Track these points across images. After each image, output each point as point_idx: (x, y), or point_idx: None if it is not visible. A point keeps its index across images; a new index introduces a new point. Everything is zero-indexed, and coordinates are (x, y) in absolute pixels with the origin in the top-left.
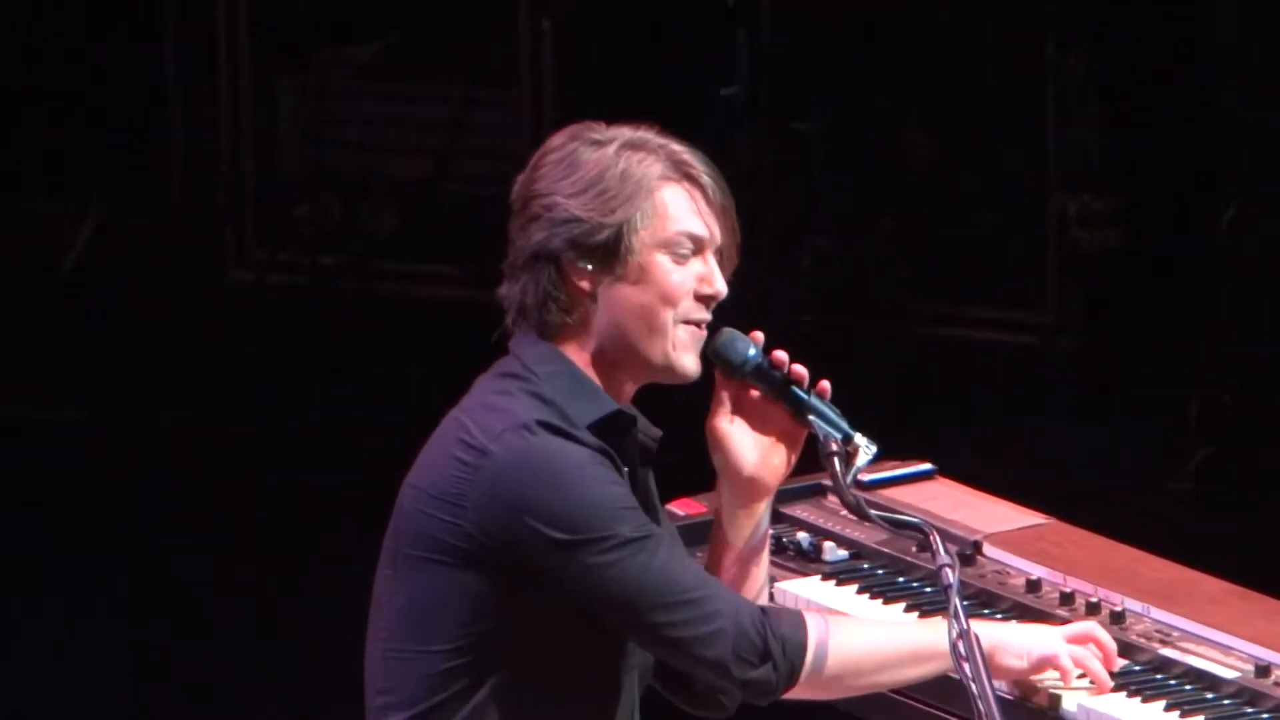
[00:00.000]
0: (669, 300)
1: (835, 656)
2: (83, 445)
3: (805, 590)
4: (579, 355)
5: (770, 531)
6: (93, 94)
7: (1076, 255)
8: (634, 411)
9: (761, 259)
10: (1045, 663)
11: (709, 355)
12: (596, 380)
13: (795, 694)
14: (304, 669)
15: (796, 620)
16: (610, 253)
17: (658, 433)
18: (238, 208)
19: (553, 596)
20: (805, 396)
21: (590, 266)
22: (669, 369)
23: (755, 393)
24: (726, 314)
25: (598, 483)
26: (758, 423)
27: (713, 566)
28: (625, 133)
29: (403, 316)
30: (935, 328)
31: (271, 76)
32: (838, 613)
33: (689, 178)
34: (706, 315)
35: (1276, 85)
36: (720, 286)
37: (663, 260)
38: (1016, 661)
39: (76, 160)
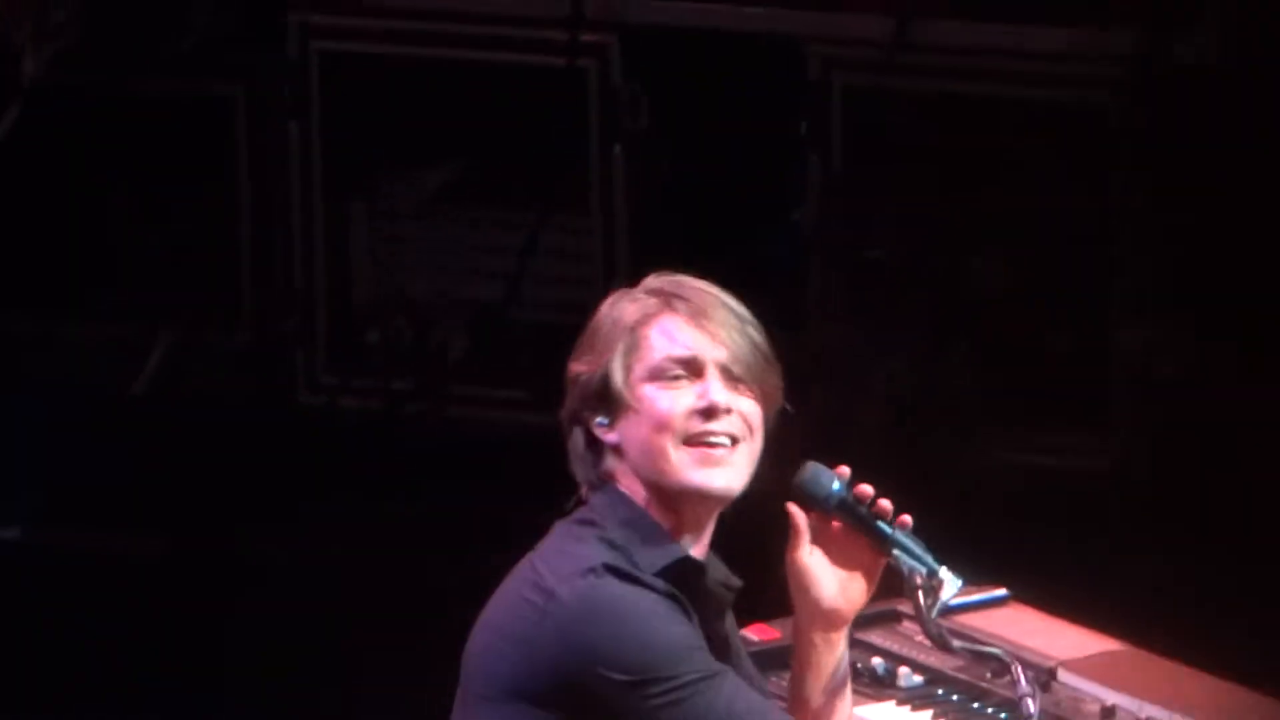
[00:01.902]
0: (663, 426)
1: None
2: (155, 572)
3: (880, 716)
4: (639, 499)
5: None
6: (164, 216)
7: (1145, 383)
8: (708, 559)
9: (835, 385)
10: None
11: (793, 489)
12: (663, 522)
13: None
14: None
15: None
16: (607, 397)
17: (737, 582)
18: (309, 332)
19: None
20: (890, 531)
21: (603, 418)
22: (684, 491)
23: (837, 525)
24: (802, 440)
25: (662, 625)
26: (836, 553)
27: (794, 700)
28: (637, 287)
29: (475, 440)
30: (1006, 452)
31: (343, 201)
32: None
33: (670, 306)
34: (710, 428)
35: None
36: (714, 396)
37: (650, 389)
38: None
39: (148, 283)
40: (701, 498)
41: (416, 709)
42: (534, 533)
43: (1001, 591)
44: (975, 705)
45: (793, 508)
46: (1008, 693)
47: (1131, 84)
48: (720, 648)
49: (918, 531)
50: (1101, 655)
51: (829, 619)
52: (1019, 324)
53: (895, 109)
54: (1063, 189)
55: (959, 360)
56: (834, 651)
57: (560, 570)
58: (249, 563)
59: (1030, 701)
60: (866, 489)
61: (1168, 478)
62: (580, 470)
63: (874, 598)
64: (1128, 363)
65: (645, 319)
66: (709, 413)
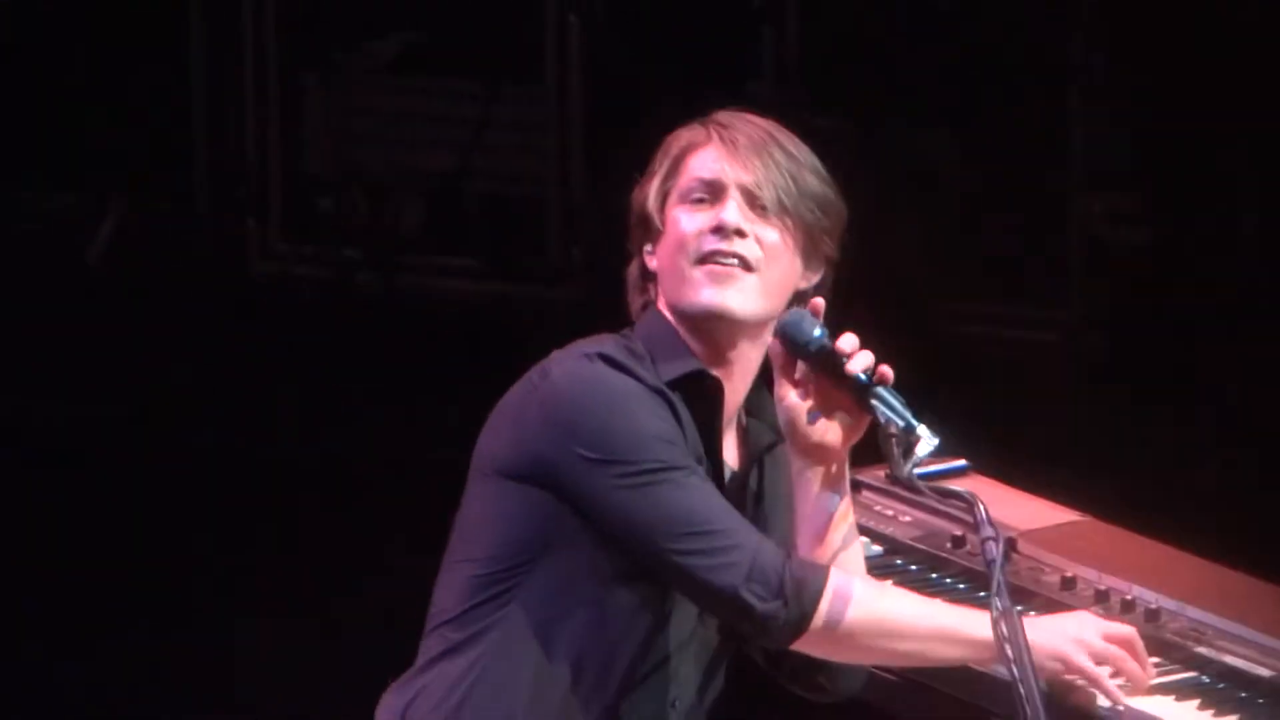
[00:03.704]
0: (683, 246)
1: (854, 613)
2: (107, 439)
3: None
4: (671, 321)
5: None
6: (118, 87)
7: (1102, 253)
8: (751, 395)
9: None
10: (1073, 671)
11: (776, 331)
12: (691, 344)
13: (812, 648)
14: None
15: (820, 569)
16: (647, 222)
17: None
18: (262, 202)
19: (583, 517)
20: (868, 381)
21: (649, 244)
22: (696, 310)
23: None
24: None
25: (637, 413)
26: (825, 390)
27: (799, 536)
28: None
29: (426, 310)
30: (962, 326)
31: (297, 71)
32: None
33: (713, 135)
34: (722, 246)
35: None
36: (727, 216)
37: (676, 211)
38: (1041, 663)
39: (101, 153)
40: (713, 317)
41: (368, 560)
42: (487, 399)
43: (961, 462)
44: (934, 575)
45: (774, 344)
46: (965, 562)
47: None
48: (732, 482)
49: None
50: (1061, 526)
51: (816, 453)
52: (974, 194)
53: None
54: (1020, 56)
55: (911, 231)
56: (829, 484)
57: (562, 357)
58: (206, 428)
59: (993, 545)
60: (851, 338)
61: (1125, 347)
62: (633, 299)
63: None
64: (1085, 232)
65: (690, 147)
66: (719, 230)
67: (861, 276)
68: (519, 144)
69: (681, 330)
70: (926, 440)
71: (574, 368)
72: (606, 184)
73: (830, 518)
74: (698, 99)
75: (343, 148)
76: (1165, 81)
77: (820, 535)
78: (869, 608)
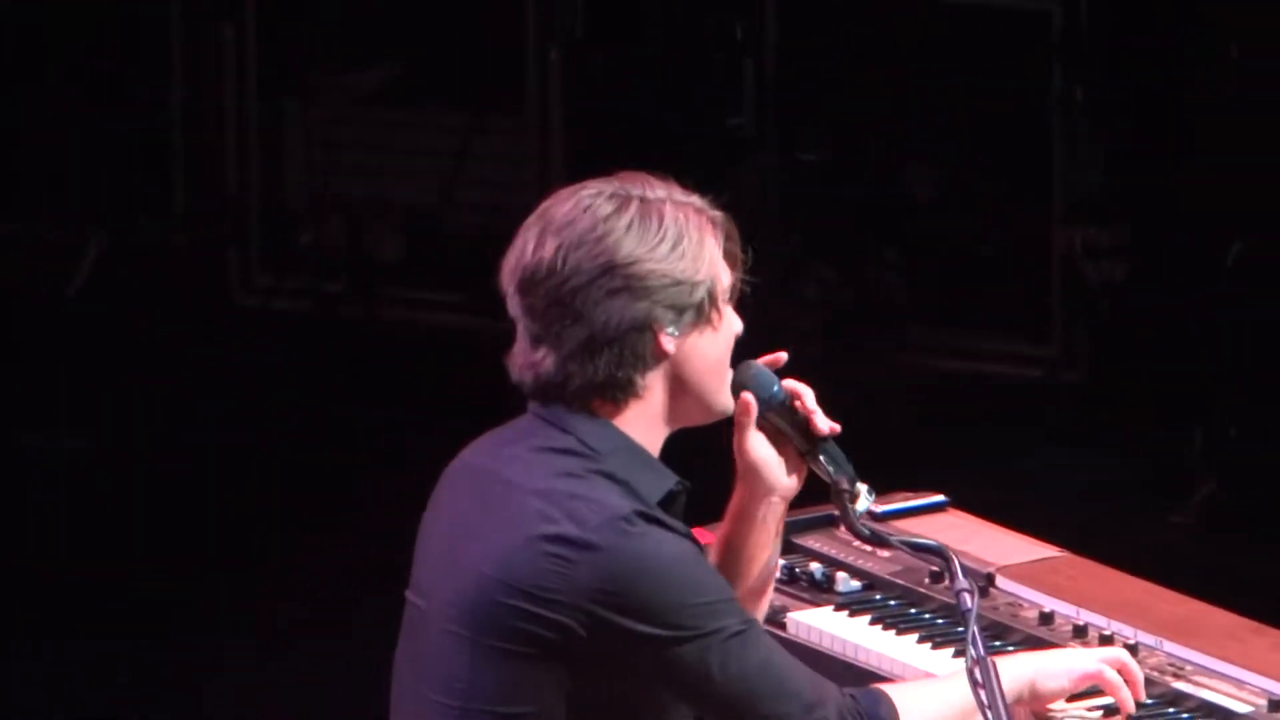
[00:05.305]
0: (729, 348)
1: None
2: (86, 472)
3: (818, 621)
4: (638, 418)
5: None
6: (98, 119)
7: (1082, 287)
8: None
9: (767, 290)
10: (1088, 679)
11: (734, 386)
12: (644, 442)
13: None
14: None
15: (879, 696)
16: (702, 309)
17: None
18: (242, 234)
19: (650, 689)
20: (819, 438)
21: (679, 329)
22: (724, 411)
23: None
24: (739, 344)
25: (700, 577)
26: (774, 440)
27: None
28: (651, 191)
29: (406, 342)
30: (941, 359)
31: (277, 102)
32: (851, 644)
33: (718, 227)
34: None
35: None
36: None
37: (728, 310)
38: (1058, 683)
39: (81, 185)
40: (720, 417)
41: (343, 613)
42: (457, 436)
43: (940, 498)
44: (913, 610)
45: (746, 395)
46: (944, 597)
47: None
48: None
49: (854, 438)
50: (1040, 561)
51: (769, 498)
52: (956, 228)
53: (832, 13)
54: (1003, 91)
55: (893, 265)
56: (775, 535)
57: (585, 520)
58: (185, 462)
59: (967, 596)
60: (805, 391)
61: (1107, 382)
62: (624, 377)
63: (812, 503)
64: (1067, 266)
65: (714, 238)
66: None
67: (843, 310)
68: (499, 176)
69: (653, 432)
70: (864, 498)
71: (618, 539)
72: None
73: (771, 567)
74: (679, 132)
75: (322, 179)
76: (1146, 114)
77: (763, 588)
78: (928, 712)
